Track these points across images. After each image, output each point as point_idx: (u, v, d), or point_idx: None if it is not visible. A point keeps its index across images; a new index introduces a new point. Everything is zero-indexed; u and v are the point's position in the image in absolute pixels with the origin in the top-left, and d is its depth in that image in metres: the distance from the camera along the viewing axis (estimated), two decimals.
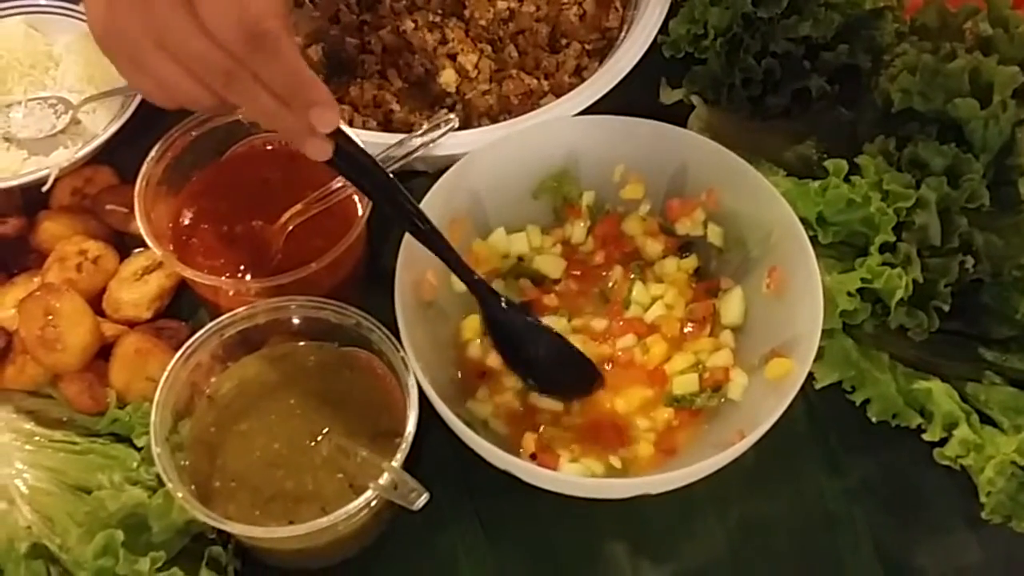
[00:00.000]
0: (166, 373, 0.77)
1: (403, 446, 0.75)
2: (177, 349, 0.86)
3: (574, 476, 0.80)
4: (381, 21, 1.04)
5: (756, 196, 0.86)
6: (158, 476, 0.80)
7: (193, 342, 0.79)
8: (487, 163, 0.89)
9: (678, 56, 1.02)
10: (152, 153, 0.86)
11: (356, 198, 0.90)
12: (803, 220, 0.84)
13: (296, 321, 0.82)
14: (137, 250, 0.93)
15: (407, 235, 0.82)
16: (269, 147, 0.93)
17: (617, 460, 0.84)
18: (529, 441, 0.83)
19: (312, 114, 0.69)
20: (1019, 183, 0.90)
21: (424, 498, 0.72)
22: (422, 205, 0.84)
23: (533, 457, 0.82)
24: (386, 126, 0.99)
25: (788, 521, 0.87)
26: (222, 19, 0.64)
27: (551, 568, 0.85)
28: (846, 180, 0.87)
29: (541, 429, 0.85)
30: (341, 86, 1.01)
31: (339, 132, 0.72)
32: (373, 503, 0.75)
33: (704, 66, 1.02)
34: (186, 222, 0.90)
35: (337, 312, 0.81)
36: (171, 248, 0.87)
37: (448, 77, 1.01)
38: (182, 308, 0.93)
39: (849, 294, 0.84)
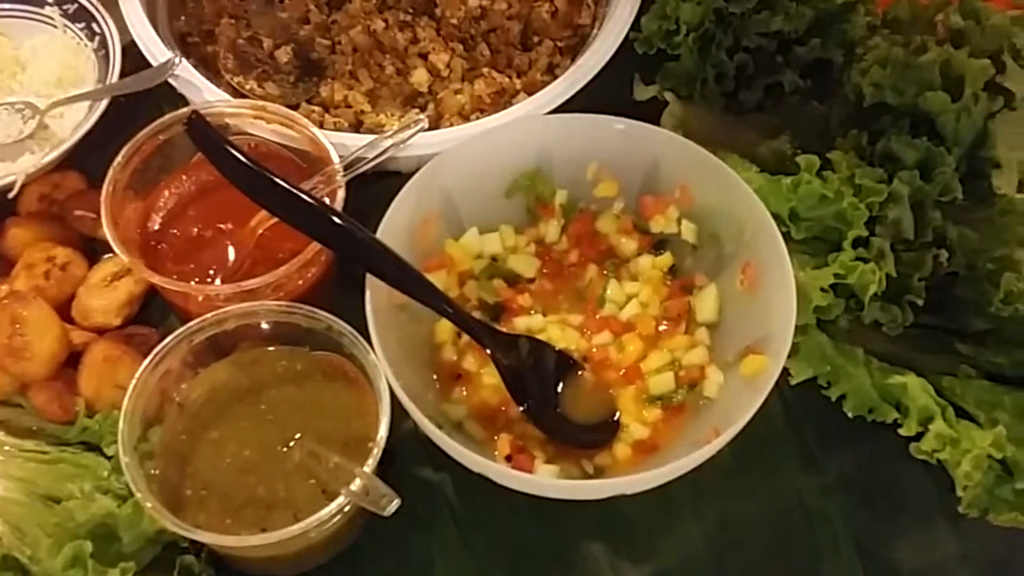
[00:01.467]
0: (134, 381, 0.76)
1: (375, 451, 0.74)
2: (147, 356, 0.85)
3: (549, 479, 0.79)
4: (351, 21, 1.03)
5: (729, 192, 0.86)
6: (128, 485, 0.80)
7: (161, 349, 0.78)
8: (459, 163, 0.88)
9: (650, 52, 1.01)
10: (119, 158, 0.85)
11: (327, 200, 0.89)
12: (776, 216, 0.84)
13: (266, 326, 0.81)
14: (106, 256, 0.92)
15: (378, 235, 0.81)
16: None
17: (592, 461, 0.83)
18: (504, 443, 0.83)
19: None
20: (992, 176, 0.90)
21: (395, 504, 0.71)
22: (393, 206, 0.84)
23: (508, 459, 0.82)
24: (357, 127, 0.98)
25: (766, 517, 0.87)
26: None
27: (529, 570, 0.84)
28: (818, 175, 0.87)
29: (515, 430, 0.84)
30: (311, 87, 1.00)
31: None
32: (346, 509, 0.74)
33: (676, 62, 1.01)
34: (155, 227, 0.89)
35: (307, 317, 0.80)
36: (139, 254, 0.86)
37: (420, 76, 1.01)
38: (152, 314, 0.92)
39: (823, 290, 0.84)
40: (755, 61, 0.99)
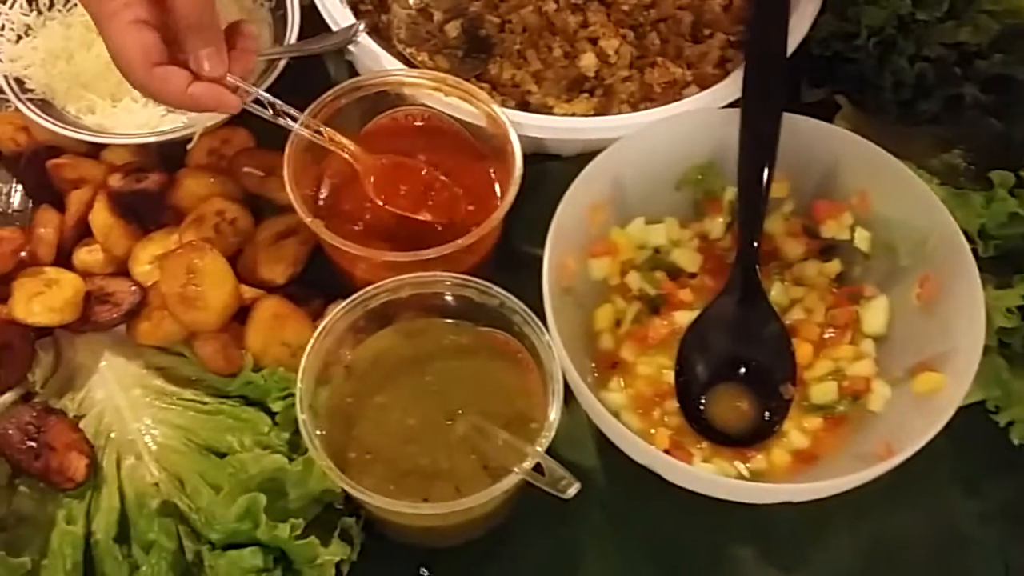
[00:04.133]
0: (312, 340, 0.76)
1: (546, 433, 0.73)
2: (310, 316, 0.86)
3: (717, 476, 0.78)
4: (522, 0, 1.02)
5: (913, 203, 0.84)
6: (289, 442, 0.81)
7: (339, 311, 0.78)
8: (635, 150, 0.87)
9: (827, 54, 0.99)
10: (300, 119, 0.85)
11: (494, 176, 0.89)
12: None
13: (438, 297, 0.81)
14: (273, 215, 0.92)
15: (557, 216, 0.81)
16: (416, 121, 0.92)
17: (747, 464, 0.82)
18: (662, 437, 0.82)
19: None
20: None
21: (575, 487, 0.71)
22: (572, 188, 0.83)
23: (666, 453, 0.81)
24: (523, 107, 0.98)
25: (921, 539, 0.85)
26: None
27: (677, 567, 0.83)
28: (1010, 193, 0.84)
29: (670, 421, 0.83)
30: (479, 64, 1.00)
31: None
32: (511, 487, 0.74)
33: (852, 66, 0.99)
34: (325, 191, 0.90)
35: (481, 291, 0.79)
36: (312, 215, 0.86)
37: (588, 61, 0.99)
38: (313, 275, 0.92)
39: (1008, 311, 0.81)
40: (934, 71, 0.96)
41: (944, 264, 0.81)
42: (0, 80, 0.96)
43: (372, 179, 0.86)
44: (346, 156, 0.86)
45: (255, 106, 0.82)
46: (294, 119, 0.84)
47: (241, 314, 0.86)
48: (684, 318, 0.87)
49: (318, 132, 0.85)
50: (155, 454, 0.83)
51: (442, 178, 0.88)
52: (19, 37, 1.00)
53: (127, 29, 0.74)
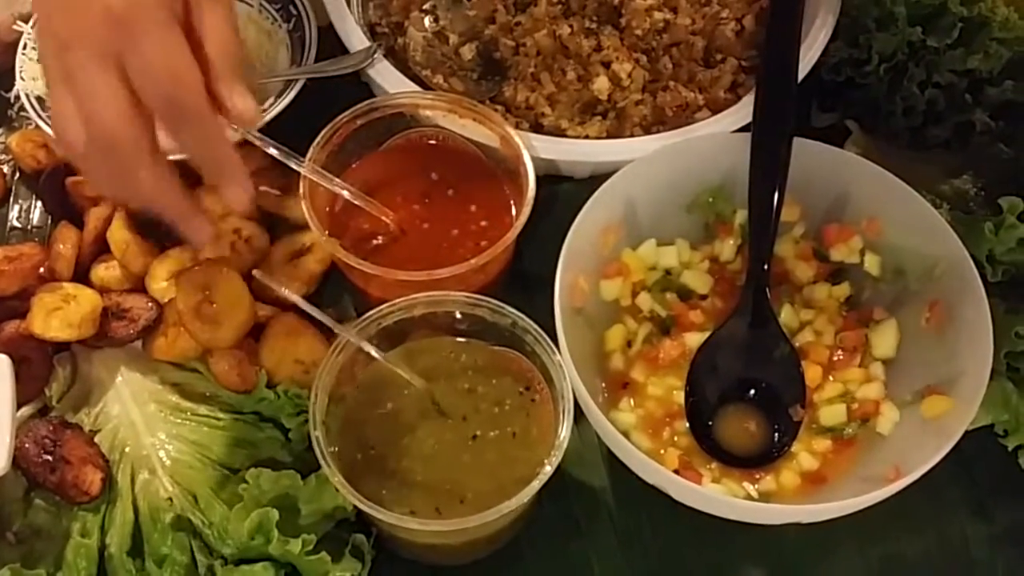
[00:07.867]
0: (327, 357, 0.77)
1: (556, 453, 0.74)
2: (324, 333, 0.87)
3: (728, 497, 0.78)
4: (536, 24, 1.03)
5: (923, 228, 0.84)
6: (302, 458, 0.81)
7: (353, 328, 0.79)
8: (648, 173, 0.88)
9: (838, 80, 1.00)
10: (318, 138, 0.87)
11: (507, 196, 0.90)
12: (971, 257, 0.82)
13: (450, 316, 0.82)
14: (288, 233, 0.93)
15: (569, 237, 0.82)
16: (431, 141, 0.93)
17: (756, 485, 0.82)
18: (672, 457, 0.82)
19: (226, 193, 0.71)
20: None
21: None
22: (585, 209, 0.84)
23: (676, 474, 0.81)
24: (537, 129, 0.99)
25: (928, 562, 0.85)
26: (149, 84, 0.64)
27: None
28: (1019, 219, 0.85)
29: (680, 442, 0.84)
30: (494, 86, 1.01)
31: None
32: (519, 506, 0.74)
33: (863, 91, 1.00)
34: (338, 209, 0.91)
35: (493, 310, 0.80)
36: (327, 234, 0.87)
37: (601, 84, 1.00)
38: (325, 294, 0.93)
39: (1016, 335, 0.81)
40: (944, 98, 0.97)
41: (953, 289, 0.82)
42: (22, 98, 0.97)
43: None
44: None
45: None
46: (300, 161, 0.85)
47: (256, 331, 0.87)
48: (694, 340, 0.88)
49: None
50: (169, 469, 0.84)
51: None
52: None
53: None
